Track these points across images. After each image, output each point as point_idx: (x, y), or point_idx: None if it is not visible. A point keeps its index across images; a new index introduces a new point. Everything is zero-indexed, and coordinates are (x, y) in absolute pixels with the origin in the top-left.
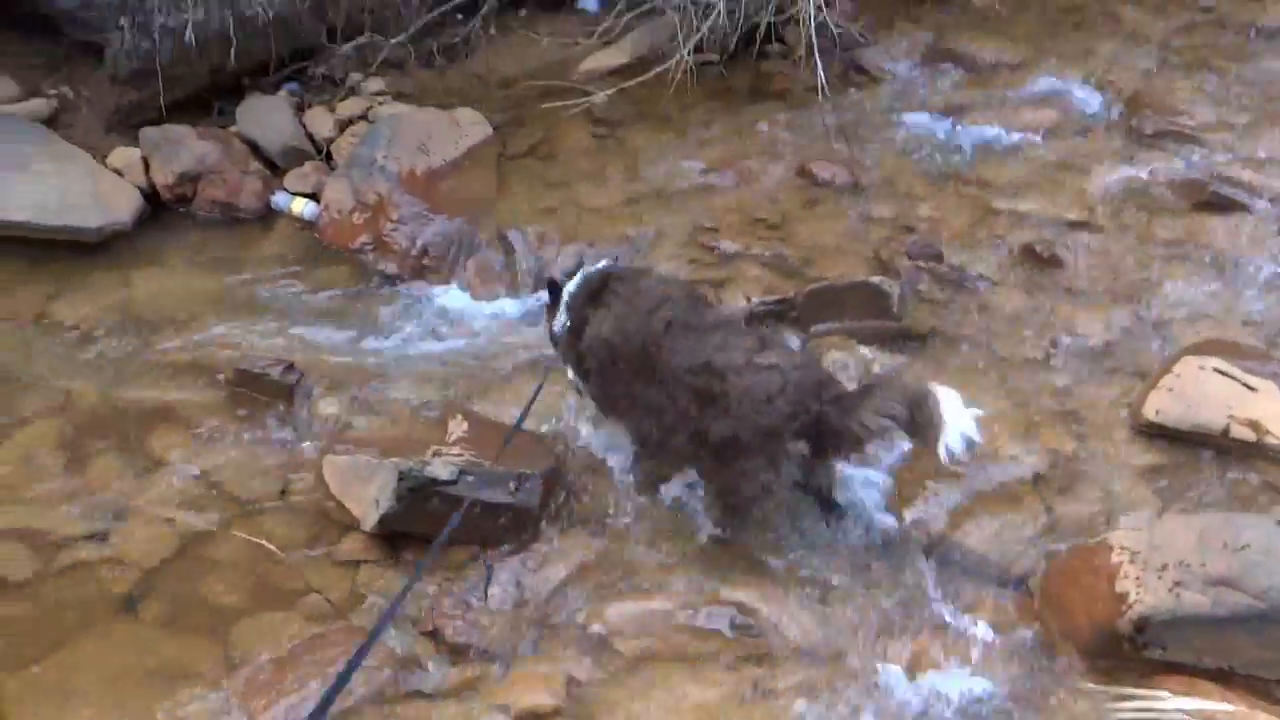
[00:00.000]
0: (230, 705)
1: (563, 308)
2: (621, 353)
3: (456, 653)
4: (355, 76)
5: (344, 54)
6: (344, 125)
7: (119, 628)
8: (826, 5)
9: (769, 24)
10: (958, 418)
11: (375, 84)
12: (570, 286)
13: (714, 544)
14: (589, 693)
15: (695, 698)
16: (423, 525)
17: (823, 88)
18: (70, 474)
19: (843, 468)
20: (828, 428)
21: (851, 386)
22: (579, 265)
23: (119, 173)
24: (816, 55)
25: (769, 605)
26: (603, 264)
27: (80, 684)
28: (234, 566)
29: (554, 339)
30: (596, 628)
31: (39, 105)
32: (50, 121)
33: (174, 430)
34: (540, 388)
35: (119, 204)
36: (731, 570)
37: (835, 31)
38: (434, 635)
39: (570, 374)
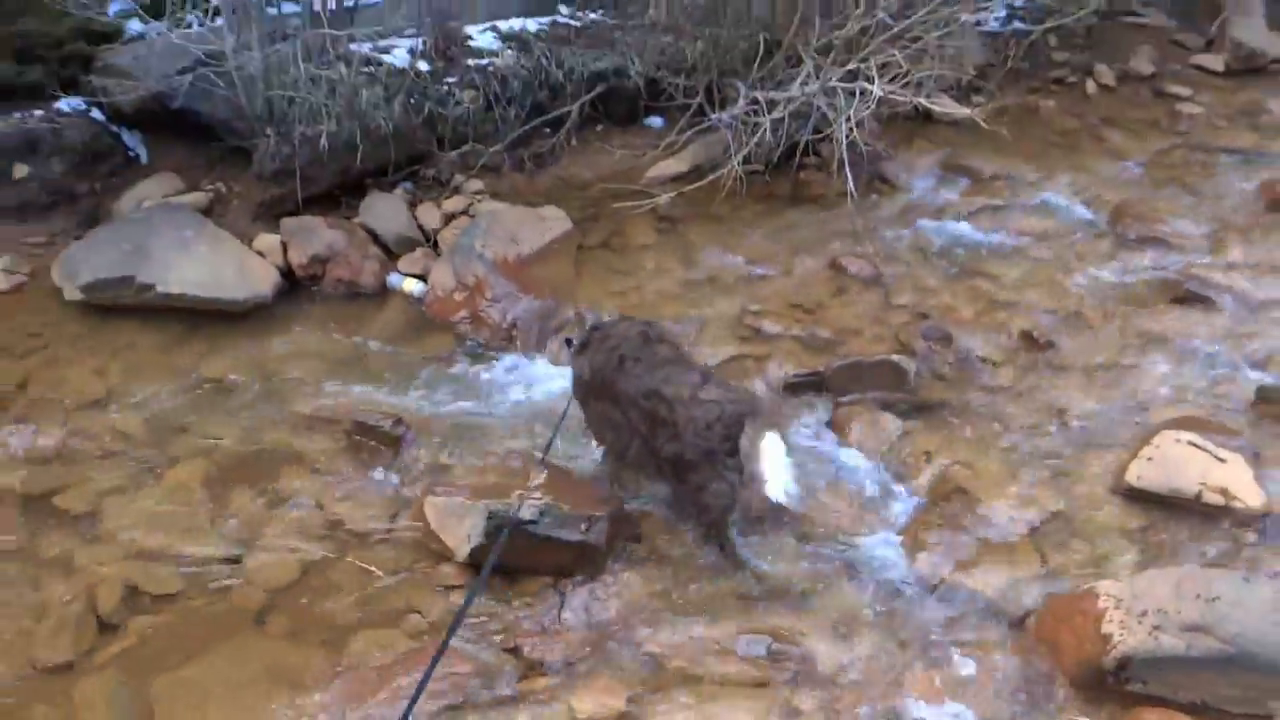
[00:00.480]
0: (342, 707)
1: (571, 354)
2: (592, 385)
3: (533, 666)
4: (459, 178)
5: (450, 160)
6: (449, 218)
7: (249, 639)
8: (856, 126)
9: (807, 141)
10: (777, 470)
11: (475, 185)
12: (577, 339)
13: (754, 581)
14: (644, 705)
15: (735, 712)
16: (508, 558)
17: (851, 195)
18: (213, 506)
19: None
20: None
21: None
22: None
23: (262, 255)
24: (847, 167)
25: (801, 635)
26: (600, 319)
27: (216, 686)
28: (347, 589)
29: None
30: (652, 649)
31: (199, 198)
32: (207, 211)
33: (300, 471)
34: (565, 414)
35: (261, 281)
36: (769, 604)
37: (863, 148)
38: (514, 651)
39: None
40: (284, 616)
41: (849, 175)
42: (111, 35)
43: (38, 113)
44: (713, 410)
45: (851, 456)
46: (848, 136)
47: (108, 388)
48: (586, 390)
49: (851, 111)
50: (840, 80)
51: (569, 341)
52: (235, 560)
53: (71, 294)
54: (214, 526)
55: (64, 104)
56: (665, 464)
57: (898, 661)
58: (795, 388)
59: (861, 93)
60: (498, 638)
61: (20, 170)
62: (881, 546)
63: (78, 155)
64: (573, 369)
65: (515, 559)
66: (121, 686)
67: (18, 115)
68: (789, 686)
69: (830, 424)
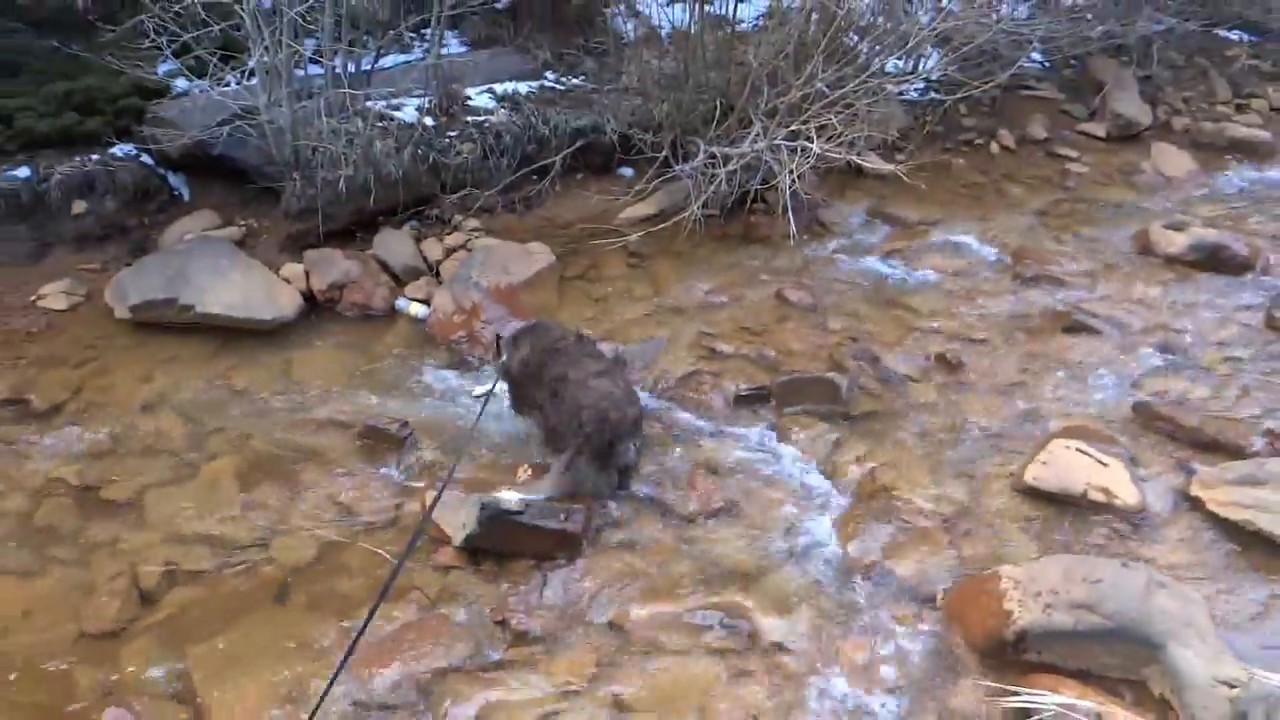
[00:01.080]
0: (355, 672)
1: (503, 351)
2: (522, 375)
3: (518, 637)
4: (458, 218)
5: (451, 202)
6: (449, 251)
7: (273, 612)
8: (798, 178)
9: (756, 190)
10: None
11: (472, 223)
12: (505, 339)
13: (710, 563)
14: (613, 671)
15: (691, 677)
16: (497, 543)
17: (793, 236)
18: (242, 497)
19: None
20: None
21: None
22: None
23: (288, 281)
24: (790, 213)
25: (750, 611)
26: (523, 323)
27: (245, 652)
28: (359, 569)
29: (498, 370)
30: (621, 623)
31: (233, 231)
32: (240, 243)
33: (318, 467)
34: (490, 391)
35: (286, 303)
36: (723, 584)
37: (804, 196)
38: (503, 624)
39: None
40: (303, 593)
41: (791, 219)
42: (160, 91)
43: (95, 157)
44: (590, 396)
45: (793, 458)
46: (790, 186)
47: (152, 394)
48: (519, 379)
49: (794, 165)
50: (784, 139)
51: (499, 338)
52: (261, 544)
53: (121, 313)
54: (243, 514)
55: (118, 150)
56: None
57: (830, 632)
58: (745, 399)
59: (802, 150)
60: (488, 612)
61: (79, 206)
62: (818, 536)
63: (129, 194)
64: (504, 362)
65: (503, 544)
66: (161, 652)
67: (78, 159)
68: (739, 654)
69: (775, 431)
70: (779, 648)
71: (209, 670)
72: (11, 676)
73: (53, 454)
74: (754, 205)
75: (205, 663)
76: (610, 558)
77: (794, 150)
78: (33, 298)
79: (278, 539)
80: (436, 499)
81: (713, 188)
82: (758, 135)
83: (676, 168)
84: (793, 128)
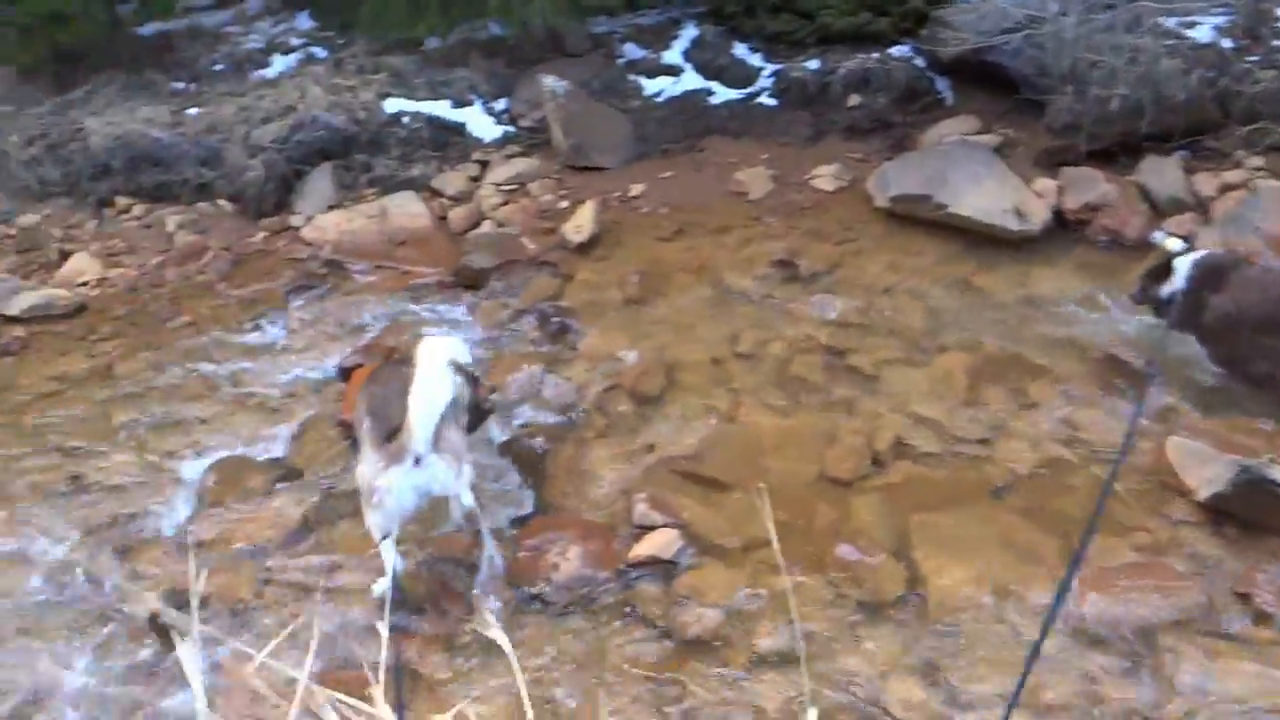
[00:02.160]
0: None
1: (1183, 282)
2: (1244, 319)
3: (1261, 617)
4: (1240, 153)
5: (1238, 134)
6: (1225, 189)
7: (988, 508)
8: None
9: None
10: None
11: (1256, 161)
12: (1187, 269)
13: None
14: None
15: None
16: (1250, 511)
17: None
18: (969, 393)
19: None
20: None
21: None
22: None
23: (1039, 195)
24: None
25: None
26: (1208, 253)
27: (960, 536)
28: (1081, 492)
29: (1159, 301)
30: None
31: (991, 139)
32: (996, 151)
33: (1047, 383)
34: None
35: (1035, 217)
36: None
37: None
38: (1245, 598)
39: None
40: (1020, 498)
41: None
42: None
43: (875, 55)
44: None
45: None
46: None
47: (897, 280)
48: (1233, 325)
49: None
50: None
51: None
52: (984, 441)
53: (880, 202)
54: (968, 409)
55: (895, 50)
56: None
57: None
58: None
59: None
60: (1228, 580)
61: (853, 99)
62: None
63: (898, 92)
64: (1182, 293)
65: (1257, 515)
66: (886, 511)
67: (860, 56)
68: None
69: None
70: None
71: (926, 541)
72: (767, 491)
73: (810, 315)
74: None
75: (923, 533)
76: None
77: None
78: (806, 177)
79: (1001, 441)
80: (1128, 441)
81: None
82: None
83: None
84: None
